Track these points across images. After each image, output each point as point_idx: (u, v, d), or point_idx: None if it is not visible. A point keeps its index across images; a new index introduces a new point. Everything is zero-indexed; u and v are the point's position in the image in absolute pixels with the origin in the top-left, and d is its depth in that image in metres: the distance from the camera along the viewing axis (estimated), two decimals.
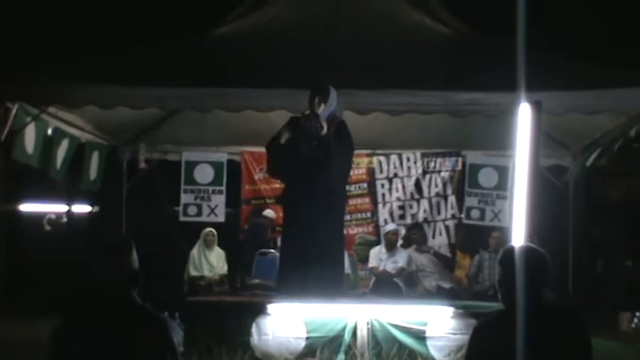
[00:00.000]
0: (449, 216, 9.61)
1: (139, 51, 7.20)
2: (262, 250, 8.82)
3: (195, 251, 9.11)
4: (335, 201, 6.07)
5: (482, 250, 8.71)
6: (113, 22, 12.66)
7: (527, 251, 2.80)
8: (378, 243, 9.14)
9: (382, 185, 9.79)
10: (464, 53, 7.17)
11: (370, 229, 9.74)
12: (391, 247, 8.57)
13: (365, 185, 9.81)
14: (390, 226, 8.93)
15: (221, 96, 6.49)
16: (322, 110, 5.96)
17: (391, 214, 9.71)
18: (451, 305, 6.38)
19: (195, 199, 9.53)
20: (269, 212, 9.25)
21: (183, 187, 9.55)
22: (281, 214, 8.99)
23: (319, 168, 5.92)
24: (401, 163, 9.75)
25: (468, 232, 9.37)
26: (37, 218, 13.80)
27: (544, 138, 6.40)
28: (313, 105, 5.94)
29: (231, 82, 6.47)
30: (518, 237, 5.53)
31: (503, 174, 9.24)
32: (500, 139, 7.90)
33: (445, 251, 9.35)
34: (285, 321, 6.23)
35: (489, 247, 8.62)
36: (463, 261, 9.19)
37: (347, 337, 6.11)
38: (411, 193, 9.70)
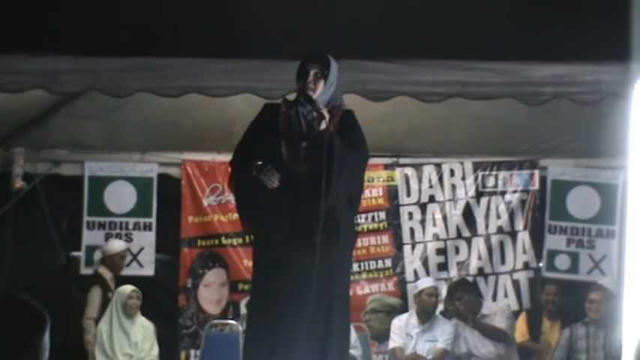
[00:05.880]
0: (519, 265, 9.64)
1: (14, 0, 7.14)
2: (215, 321, 8.91)
3: (104, 324, 9.01)
4: (337, 240, 5.97)
5: (573, 323, 8.65)
6: None
7: None
8: (404, 309, 9.23)
9: (410, 215, 9.83)
10: (543, 3, 7.16)
11: (391, 286, 9.77)
12: (426, 317, 8.63)
13: (382, 215, 9.87)
14: (425, 282, 8.96)
15: (148, 71, 6.57)
16: (321, 92, 5.92)
17: (425, 262, 9.75)
18: None
19: (107, 238, 9.57)
20: None
21: (86, 218, 9.63)
22: (247, 264, 8.97)
23: (314, 186, 5.84)
24: (440, 180, 9.80)
25: (556, 292, 9.28)
26: None
27: None
28: (306, 83, 5.88)
29: (164, 48, 6.52)
30: (635, 301, 5.59)
31: (609, 197, 9.32)
32: (601, 141, 7.98)
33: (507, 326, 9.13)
34: None
35: (586, 318, 8.58)
36: (550, 335, 9.15)
37: None
38: (458, 229, 9.75)
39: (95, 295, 9.05)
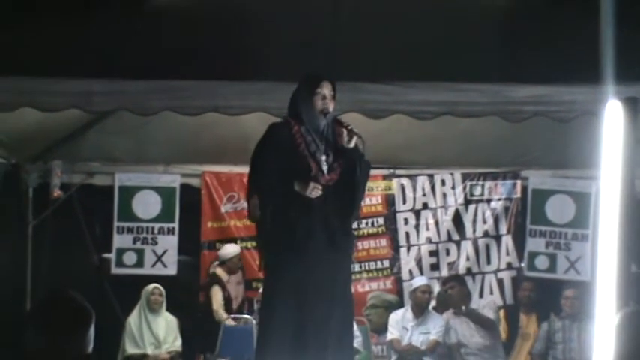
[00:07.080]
0: (503, 265, 9.68)
1: (52, 28, 7.12)
2: (232, 315, 8.89)
3: (133, 318, 9.09)
4: (343, 242, 5.97)
5: (553, 315, 8.73)
6: None
7: None
8: (401, 305, 9.26)
9: (406, 221, 9.85)
10: (524, 31, 7.13)
11: (389, 284, 9.80)
12: (420, 311, 8.69)
13: (381, 221, 9.89)
14: (419, 281, 9.02)
15: (172, 92, 6.51)
16: (333, 110, 5.87)
17: (419, 262, 9.77)
18: None
19: (135, 241, 9.63)
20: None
21: (116, 224, 9.66)
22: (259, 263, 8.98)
23: (341, 196, 5.81)
24: (433, 189, 9.82)
25: (532, 288, 9.37)
26: None
27: None
28: (325, 103, 5.78)
29: (186, 72, 6.49)
30: (606, 297, 5.53)
31: (583, 204, 9.34)
32: (577, 154, 8.02)
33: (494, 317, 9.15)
34: None
35: (562, 312, 8.64)
36: (528, 328, 9.19)
37: None
38: (448, 233, 9.77)
39: (217, 293, 9.13)
